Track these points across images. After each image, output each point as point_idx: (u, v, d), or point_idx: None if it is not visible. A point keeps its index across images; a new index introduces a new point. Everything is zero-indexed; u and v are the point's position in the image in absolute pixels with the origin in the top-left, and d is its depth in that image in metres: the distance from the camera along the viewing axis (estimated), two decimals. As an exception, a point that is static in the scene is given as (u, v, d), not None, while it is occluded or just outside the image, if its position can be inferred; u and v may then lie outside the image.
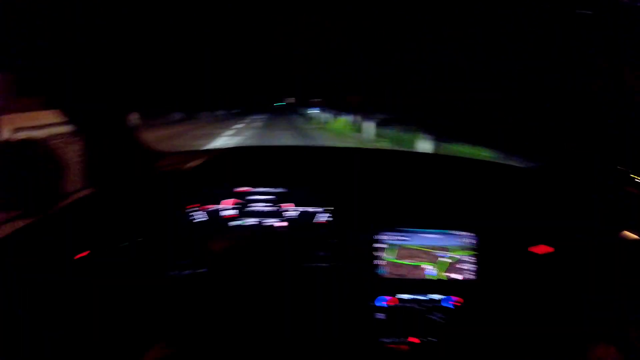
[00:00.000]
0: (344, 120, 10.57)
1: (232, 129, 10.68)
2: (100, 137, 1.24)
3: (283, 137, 8.87)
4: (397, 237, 1.24)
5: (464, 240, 1.27)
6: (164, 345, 1.07)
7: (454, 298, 1.28)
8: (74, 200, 1.23)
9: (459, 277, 1.28)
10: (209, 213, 1.23)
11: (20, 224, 1.05)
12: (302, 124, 12.31)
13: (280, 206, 1.24)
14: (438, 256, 1.26)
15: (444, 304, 1.27)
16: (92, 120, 1.21)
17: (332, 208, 1.24)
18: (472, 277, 1.29)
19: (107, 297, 1.14)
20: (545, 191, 1.31)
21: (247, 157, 1.31)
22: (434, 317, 1.28)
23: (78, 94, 1.13)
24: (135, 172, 1.27)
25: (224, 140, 8.47)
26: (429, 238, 1.26)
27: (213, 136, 9.12)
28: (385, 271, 1.24)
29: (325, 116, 12.49)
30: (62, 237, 1.16)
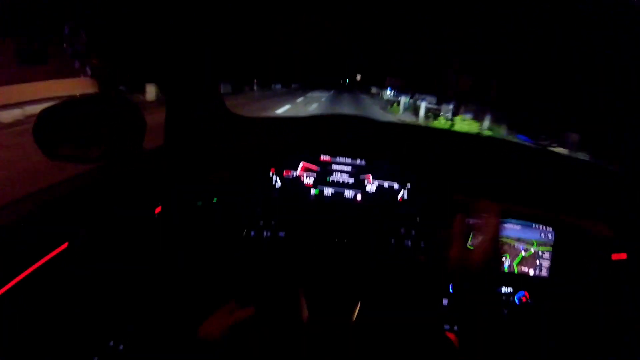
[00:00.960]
0: (469, 120, 7.46)
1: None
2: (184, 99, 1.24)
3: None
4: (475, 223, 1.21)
5: (542, 234, 1.23)
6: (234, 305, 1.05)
7: (524, 293, 1.24)
8: (157, 154, 1.23)
9: (532, 272, 1.24)
10: (291, 180, 1.21)
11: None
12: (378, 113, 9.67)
13: (360, 178, 1.22)
14: (514, 248, 1.23)
15: (515, 300, 1.23)
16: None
17: (415, 186, 1.21)
18: (544, 274, 1.25)
19: (185, 250, 1.14)
20: (629, 199, 1.27)
21: (331, 126, 1.28)
22: (500, 311, 1.24)
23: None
24: (217, 132, 1.26)
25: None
26: (508, 228, 1.22)
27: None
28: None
29: (424, 105, 9.05)
30: (143, 189, 1.15)
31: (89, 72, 1.55)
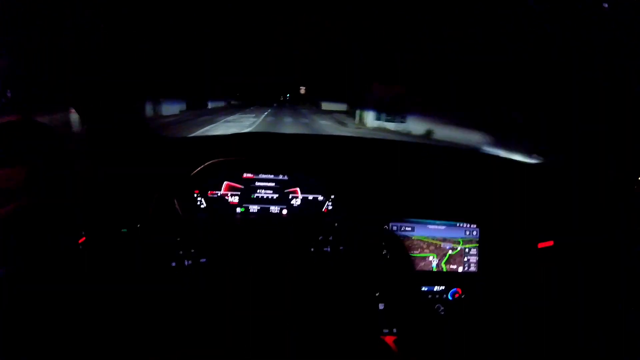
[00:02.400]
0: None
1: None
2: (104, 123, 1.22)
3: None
4: (402, 228, 1.24)
5: (467, 232, 1.27)
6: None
7: (456, 290, 1.29)
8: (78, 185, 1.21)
9: (460, 269, 1.28)
10: (216, 199, 1.21)
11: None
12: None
13: (285, 192, 1.22)
14: (441, 248, 1.26)
15: (449, 297, 1.27)
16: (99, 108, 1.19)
17: (337, 196, 1.22)
18: (473, 269, 1.30)
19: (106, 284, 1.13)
20: (551, 188, 1.31)
21: (253, 144, 1.28)
22: (437, 309, 1.29)
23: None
24: (138, 157, 1.24)
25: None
26: (433, 229, 1.25)
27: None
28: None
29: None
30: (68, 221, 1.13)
31: (9, 94, 1.51)
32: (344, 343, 1.17)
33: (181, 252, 1.11)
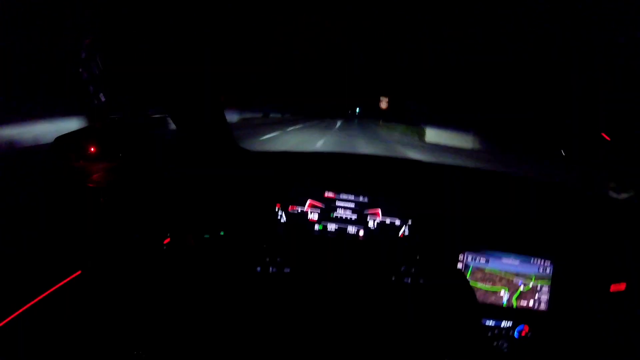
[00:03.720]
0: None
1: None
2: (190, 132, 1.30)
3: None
4: (476, 259, 1.25)
5: (540, 268, 1.27)
6: None
7: (523, 327, 1.27)
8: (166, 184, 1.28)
9: (531, 305, 1.27)
10: (296, 215, 1.25)
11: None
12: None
13: (363, 214, 1.26)
14: (513, 283, 1.26)
15: (514, 334, 1.26)
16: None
17: (414, 221, 1.25)
18: (543, 308, 1.28)
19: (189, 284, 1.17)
20: (628, 227, 1.30)
21: (336, 163, 1.33)
22: (499, 345, 1.27)
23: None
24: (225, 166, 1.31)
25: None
26: (506, 263, 1.26)
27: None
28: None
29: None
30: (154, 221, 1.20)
31: (102, 98, 1.62)
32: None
33: (268, 259, 1.15)
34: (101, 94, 1.62)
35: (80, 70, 1.55)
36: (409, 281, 1.17)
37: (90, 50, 1.51)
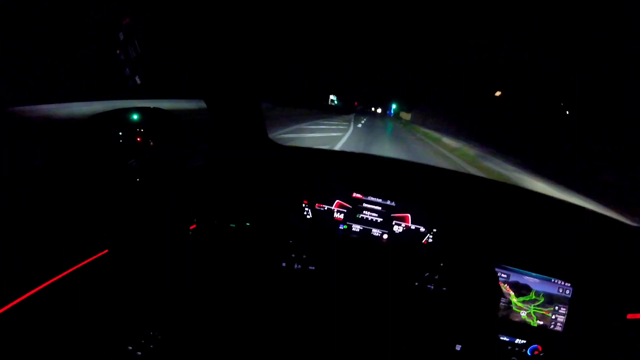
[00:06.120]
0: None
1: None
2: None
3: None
4: (497, 274, 1.25)
5: (560, 289, 1.27)
6: None
7: (537, 347, 1.27)
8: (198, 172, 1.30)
9: (546, 325, 1.27)
10: (322, 212, 1.26)
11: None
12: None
13: (390, 217, 1.27)
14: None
15: (527, 352, 1.26)
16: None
17: (439, 230, 1.25)
18: (558, 329, 1.28)
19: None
20: None
21: (367, 165, 1.35)
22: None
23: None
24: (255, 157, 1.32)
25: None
26: (526, 280, 1.26)
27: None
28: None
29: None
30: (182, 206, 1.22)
31: (138, 81, 1.64)
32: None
33: (293, 255, 1.16)
34: (137, 77, 1.64)
35: (118, 52, 1.57)
36: (432, 288, 1.17)
37: (129, 32, 1.54)
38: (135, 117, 1.23)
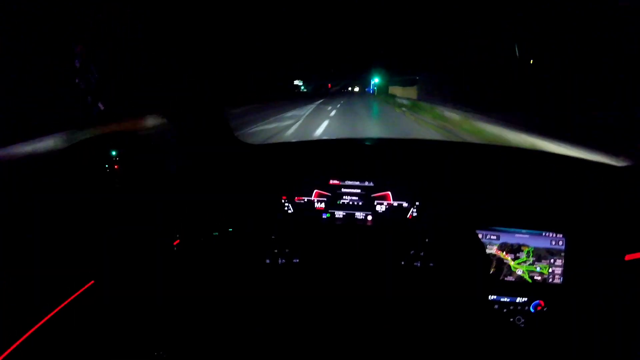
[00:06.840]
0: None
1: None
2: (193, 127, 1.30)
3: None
4: (487, 236, 1.23)
5: (552, 242, 1.25)
6: None
7: (539, 302, 1.26)
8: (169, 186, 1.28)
9: (544, 280, 1.26)
10: (303, 204, 1.25)
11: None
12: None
13: (370, 198, 1.25)
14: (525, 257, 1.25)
15: (531, 309, 1.25)
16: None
17: (422, 203, 1.24)
18: (557, 281, 1.27)
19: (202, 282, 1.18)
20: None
21: (340, 150, 1.33)
22: (516, 321, 1.26)
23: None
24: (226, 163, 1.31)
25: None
26: (517, 238, 1.24)
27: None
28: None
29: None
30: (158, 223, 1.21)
31: (101, 107, 1.62)
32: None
33: (276, 251, 1.15)
34: (100, 103, 1.62)
35: (77, 80, 1.54)
36: (419, 265, 1.16)
37: (84, 58, 1.51)
38: (111, 144, 1.23)
